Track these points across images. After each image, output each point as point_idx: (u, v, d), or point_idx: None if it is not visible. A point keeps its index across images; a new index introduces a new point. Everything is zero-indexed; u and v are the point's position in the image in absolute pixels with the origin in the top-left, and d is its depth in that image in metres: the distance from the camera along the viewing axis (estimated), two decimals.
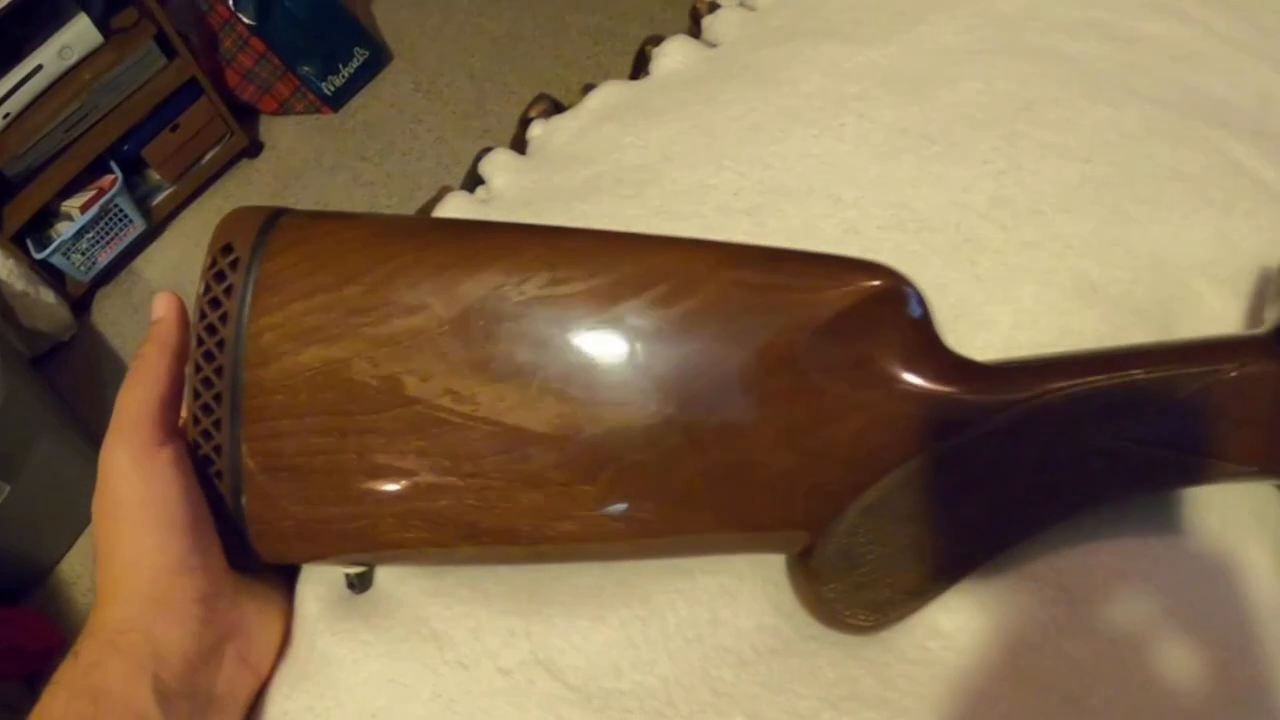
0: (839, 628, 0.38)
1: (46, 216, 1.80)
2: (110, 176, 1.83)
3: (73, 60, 1.73)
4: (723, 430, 0.34)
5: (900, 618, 0.37)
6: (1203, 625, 0.37)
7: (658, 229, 0.48)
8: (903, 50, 0.57)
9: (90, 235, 1.82)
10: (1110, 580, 0.38)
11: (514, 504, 0.34)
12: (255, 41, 1.95)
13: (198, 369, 0.34)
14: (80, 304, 1.89)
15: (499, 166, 0.59)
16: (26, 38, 1.67)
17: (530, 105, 0.64)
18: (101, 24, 1.75)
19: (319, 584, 0.40)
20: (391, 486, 0.34)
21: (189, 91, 1.88)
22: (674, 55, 0.62)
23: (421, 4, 2.21)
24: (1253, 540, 0.39)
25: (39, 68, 1.69)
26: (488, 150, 0.61)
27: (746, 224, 0.49)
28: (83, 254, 1.84)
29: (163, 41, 1.81)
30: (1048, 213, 0.47)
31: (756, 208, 0.50)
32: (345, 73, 2.07)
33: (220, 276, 0.34)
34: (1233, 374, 0.37)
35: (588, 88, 0.63)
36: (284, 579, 0.40)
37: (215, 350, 0.33)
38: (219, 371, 0.33)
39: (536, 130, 0.62)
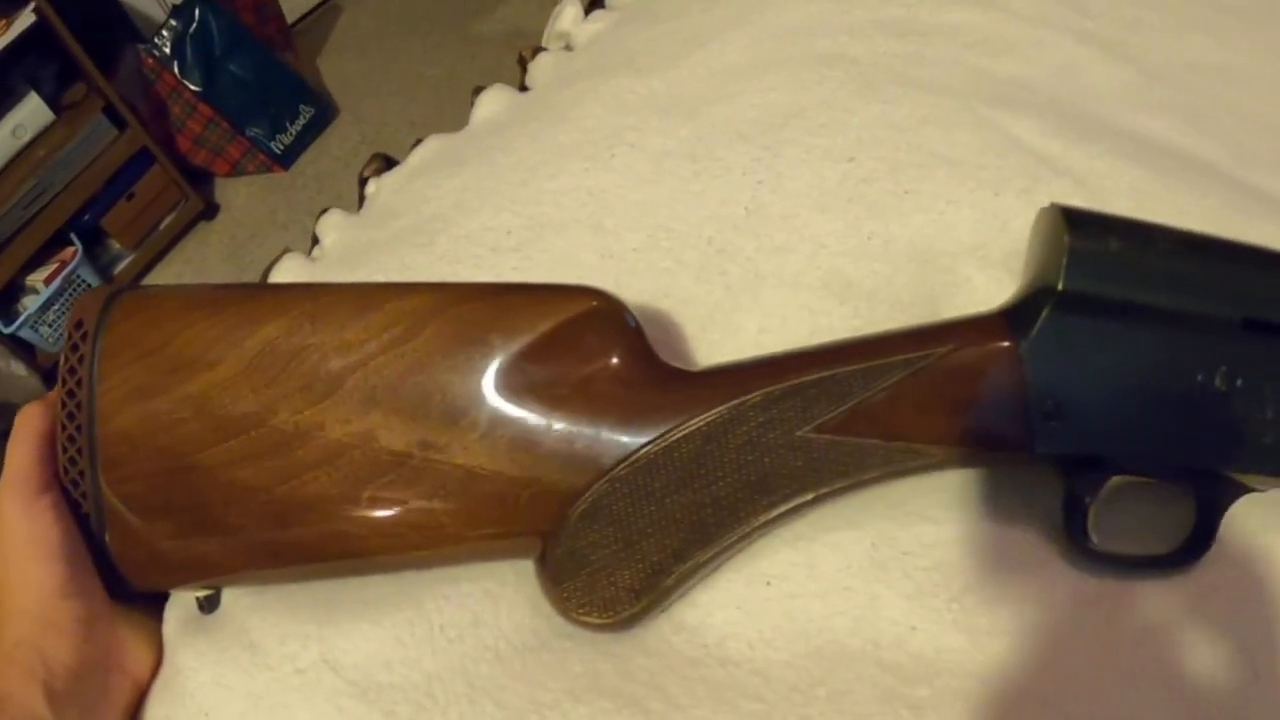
0: (579, 626, 0.40)
1: (12, 291, 1.86)
2: (71, 248, 1.89)
3: (26, 139, 1.79)
4: (455, 447, 0.38)
5: (638, 614, 0.39)
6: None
7: (440, 274, 0.53)
8: (688, 74, 0.60)
9: (56, 307, 1.88)
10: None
11: (326, 524, 0.38)
12: (203, 107, 2.00)
13: (64, 426, 0.39)
14: (51, 374, 1.94)
15: (330, 226, 0.63)
16: None
17: (366, 164, 0.68)
18: (52, 101, 1.82)
19: (177, 607, 0.45)
20: (224, 518, 0.38)
21: (142, 160, 1.94)
22: (488, 104, 0.66)
23: (364, 55, 2.27)
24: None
25: None
26: (325, 210, 0.64)
27: (514, 260, 0.52)
28: (50, 325, 1.89)
29: (113, 113, 1.87)
30: (803, 215, 0.50)
31: (525, 244, 0.52)
32: (293, 130, 2.12)
33: (75, 348, 0.40)
34: (945, 358, 0.38)
35: (416, 142, 0.66)
36: (157, 602, 0.46)
37: (75, 410, 0.39)
38: (79, 428, 0.39)
39: (371, 188, 0.66)
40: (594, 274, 0.51)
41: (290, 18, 2.34)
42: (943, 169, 0.50)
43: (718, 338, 0.47)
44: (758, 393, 0.39)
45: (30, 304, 1.83)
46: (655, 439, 0.38)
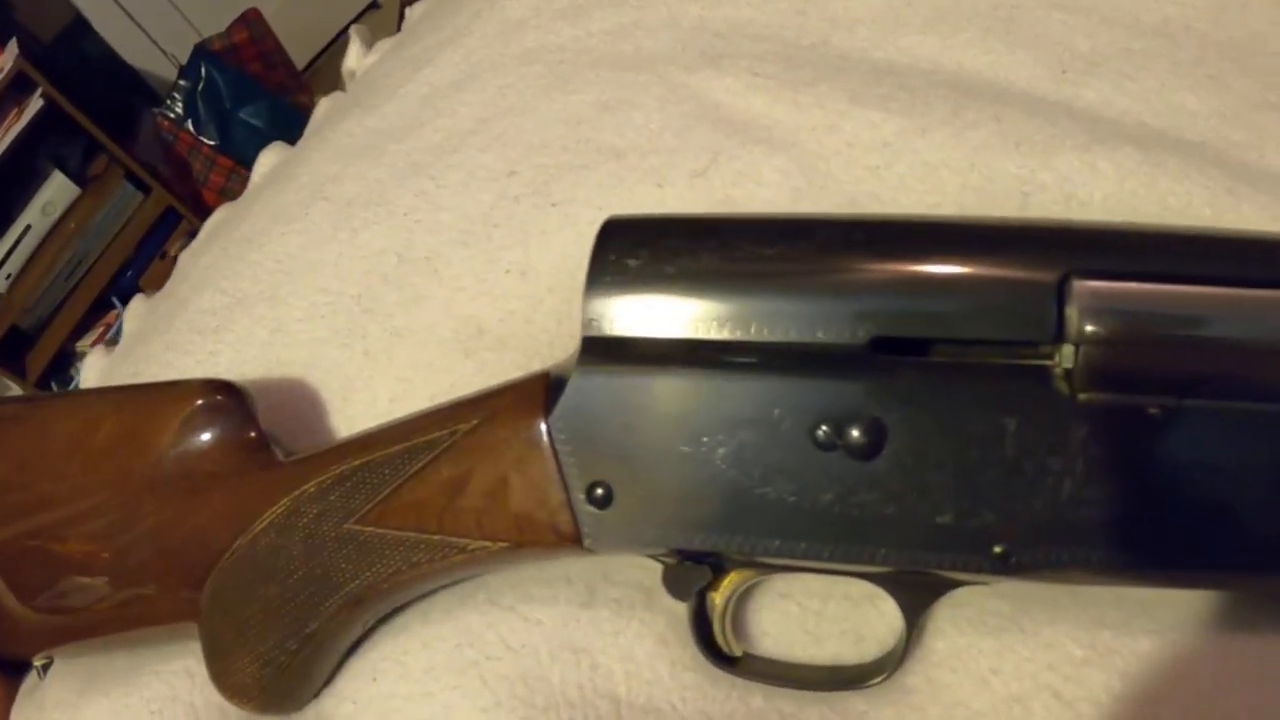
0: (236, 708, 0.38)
1: (64, 358, 1.98)
2: (114, 311, 2.00)
3: (57, 215, 1.90)
4: (128, 545, 0.38)
5: (275, 701, 0.37)
6: None
7: (167, 362, 0.50)
8: (401, 104, 0.55)
9: None
10: None
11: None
12: (222, 159, 2.07)
13: None
14: None
15: (131, 313, 0.62)
16: (11, 202, 1.85)
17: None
18: (78, 176, 1.92)
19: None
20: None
21: (171, 218, 2.03)
22: (262, 165, 0.64)
23: None
24: None
25: (28, 228, 1.86)
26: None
27: (212, 344, 0.48)
28: None
29: (135, 178, 1.96)
30: (445, 254, 0.44)
31: (222, 325, 0.49)
32: None
33: None
34: (470, 436, 0.33)
35: None
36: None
37: None
38: None
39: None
40: (264, 351, 0.47)
41: (301, 61, 2.39)
42: (604, 166, 0.43)
43: (357, 410, 0.43)
44: (312, 482, 0.35)
45: (82, 369, 1.95)
46: (247, 532, 0.36)
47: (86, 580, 0.38)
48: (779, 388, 0.27)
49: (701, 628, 0.30)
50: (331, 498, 0.34)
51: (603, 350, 0.30)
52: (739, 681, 0.31)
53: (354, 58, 0.71)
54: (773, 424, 0.27)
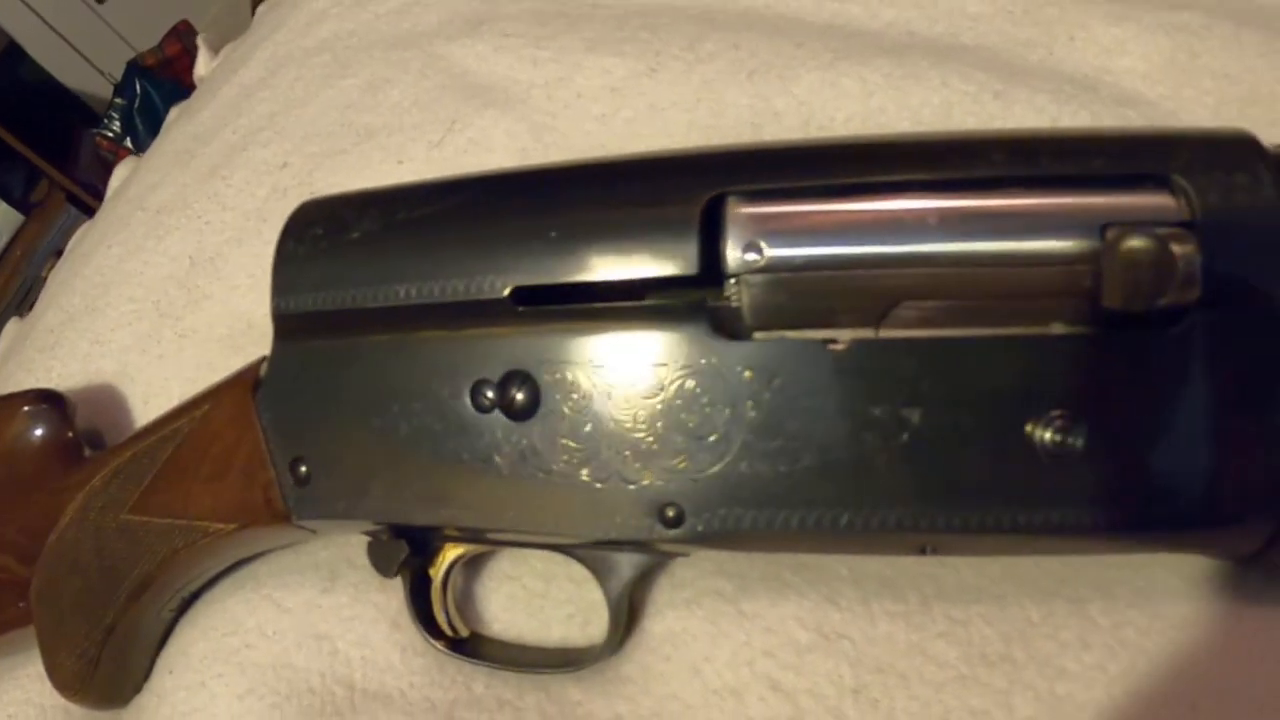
0: None
1: None
2: None
3: (3, 243, 1.90)
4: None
5: (98, 697, 0.37)
6: None
7: (13, 375, 0.50)
8: (216, 108, 0.55)
9: None
10: None
11: None
12: None
13: None
14: None
15: (5, 335, 0.62)
16: None
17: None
18: (21, 203, 1.92)
19: None
20: None
21: None
22: (114, 180, 0.64)
23: None
24: None
25: None
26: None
27: (49, 359, 0.49)
28: None
29: (79, 201, 1.96)
30: (226, 254, 0.45)
31: (60, 343, 0.49)
32: None
33: None
34: (199, 424, 0.34)
35: None
36: None
37: None
38: None
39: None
40: (85, 364, 0.48)
41: None
42: (359, 148, 0.43)
43: (155, 412, 0.42)
44: (98, 477, 0.36)
45: None
46: (56, 528, 0.36)
47: None
48: (436, 350, 0.27)
49: (420, 606, 0.30)
50: (110, 490, 0.35)
51: (294, 328, 0.30)
52: (465, 667, 0.30)
53: (203, 64, 0.70)
54: (435, 389, 0.27)
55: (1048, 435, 0.22)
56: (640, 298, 0.24)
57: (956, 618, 0.27)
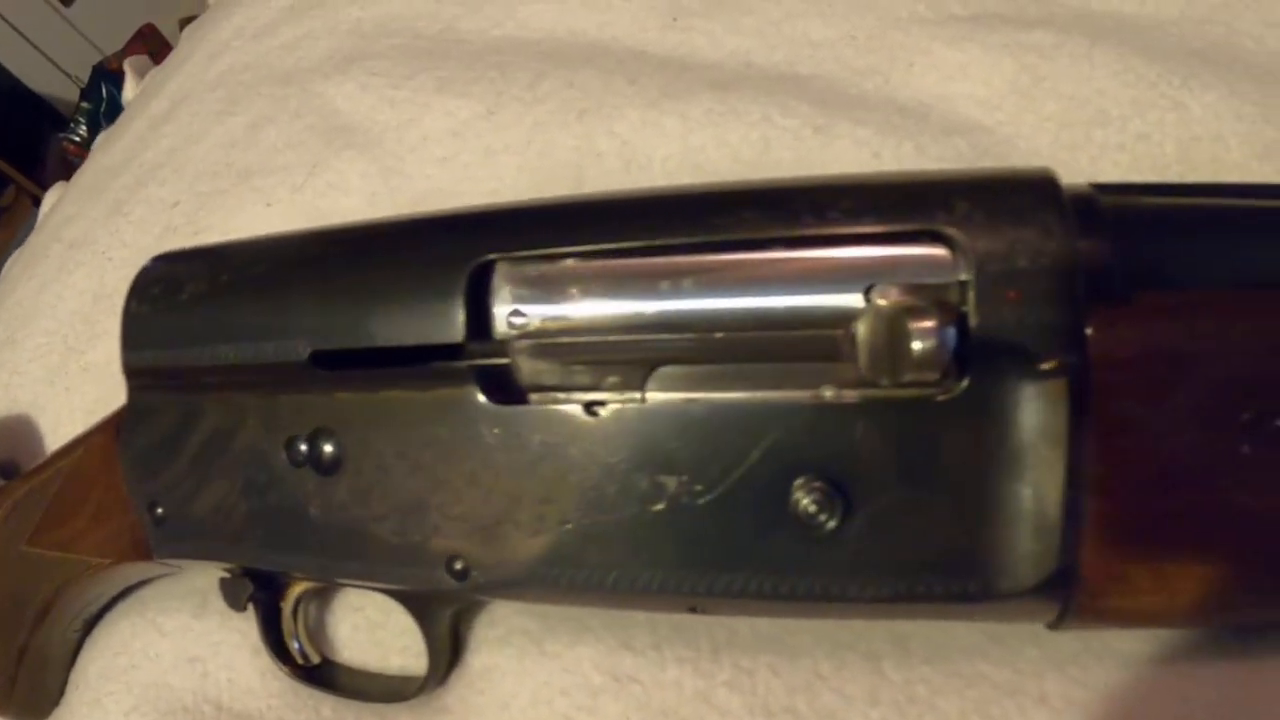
0: None
1: None
2: None
3: None
4: None
5: (21, 708, 0.39)
6: None
7: None
8: (127, 139, 0.57)
9: None
10: None
11: None
12: None
13: None
14: None
15: None
16: None
17: None
18: None
19: None
20: None
21: None
22: (44, 206, 0.66)
23: None
24: None
25: None
26: None
27: None
28: None
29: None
30: (123, 290, 0.46)
31: None
32: None
33: None
34: (79, 462, 0.36)
35: None
36: None
37: None
38: None
39: None
40: (6, 394, 0.50)
41: None
42: (237, 190, 0.45)
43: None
44: (3, 508, 0.38)
45: None
46: None
47: None
48: (257, 407, 0.29)
49: (273, 635, 0.32)
50: (10, 523, 0.37)
51: (143, 382, 0.32)
52: (316, 691, 0.32)
53: (129, 89, 0.72)
54: (257, 444, 0.29)
55: (809, 504, 0.22)
56: (423, 362, 0.25)
57: (744, 667, 0.27)
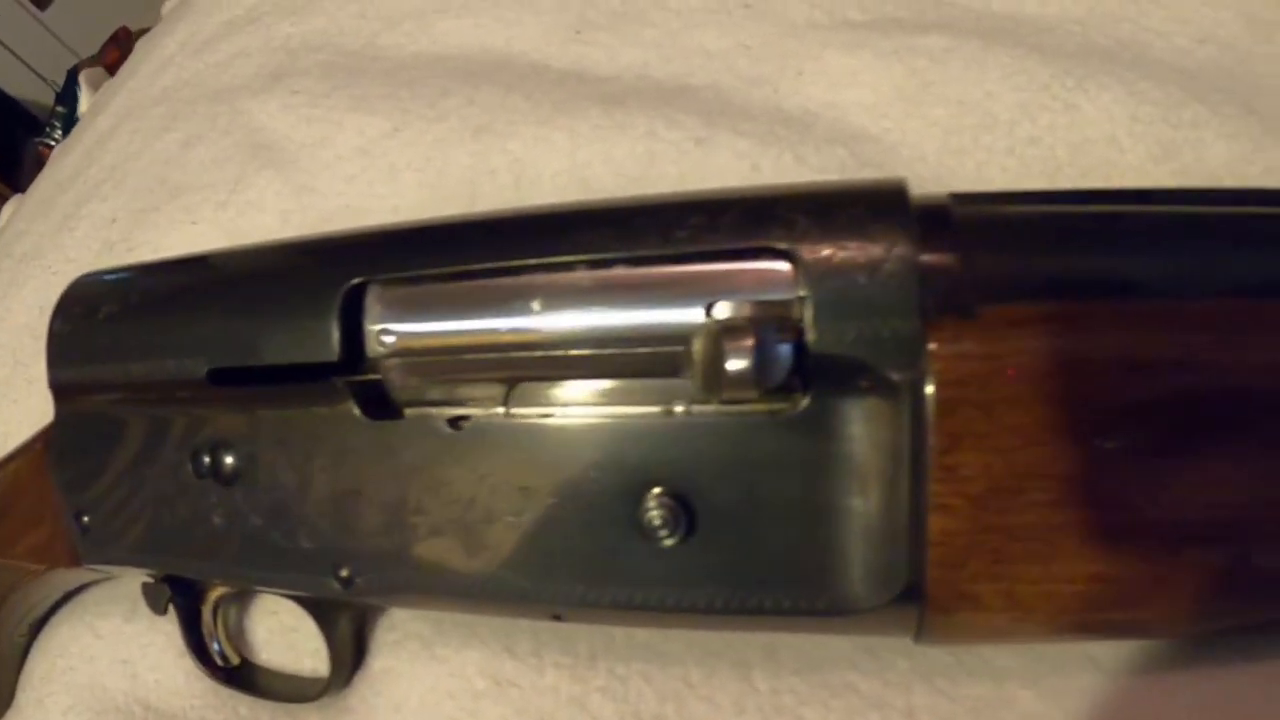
0: None
1: None
2: None
3: None
4: None
5: None
6: None
7: None
8: (73, 157, 0.59)
9: None
10: None
11: None
12: None
13: None
14: None
15: None
16: None
17: None
18: None
19: None
20: None
21: None
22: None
23: None
24: None
25: None
26: None
27: None
28: None
29: None
30: None
31: None
32: None
33: None
34: (13, 472, 0.38)
35: None
36: None
37: None
38: None
39: None
40: None
41: None
42: (167, 207, 0.47)
43: None
44: None
45: None
46: None
47: None
48: (166, 421, 0.31)
49: (193, 637, 0.34)
50: None
51: (67, 396, 0.34)
52: (236, 691, 0.34)
53: (84, 102, 0.73)
54: (166, 456, 0.31)
55: (655, 517, 0.23)
56: (306, 380, 0.26)
57: (619, 674, 0.28)
